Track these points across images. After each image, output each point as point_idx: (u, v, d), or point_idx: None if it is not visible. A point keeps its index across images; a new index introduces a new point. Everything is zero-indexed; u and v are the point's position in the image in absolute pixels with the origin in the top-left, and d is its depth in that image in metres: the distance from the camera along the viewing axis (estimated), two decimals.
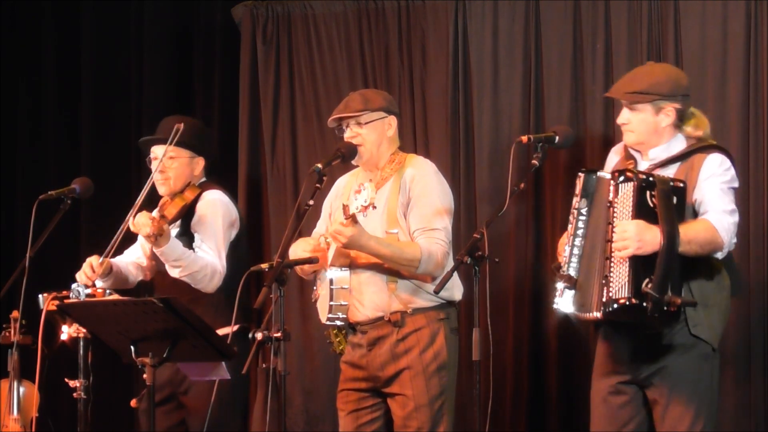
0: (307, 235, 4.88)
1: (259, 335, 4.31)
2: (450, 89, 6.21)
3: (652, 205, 4.16)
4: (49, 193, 5.11)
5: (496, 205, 4.24)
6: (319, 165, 4.56)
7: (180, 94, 7.03)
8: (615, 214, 4.18)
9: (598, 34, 5.95)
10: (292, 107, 6.59)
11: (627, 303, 4.12)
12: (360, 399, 4.78)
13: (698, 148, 4.38)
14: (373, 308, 4.69)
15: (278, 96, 6.61)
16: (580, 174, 4.32)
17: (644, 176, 4.20)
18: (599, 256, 4.21)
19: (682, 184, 4.24)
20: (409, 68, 6.35)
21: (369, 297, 4.69)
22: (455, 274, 4.67)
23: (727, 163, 4.37)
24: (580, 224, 4.26)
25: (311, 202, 4.52)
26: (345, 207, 4.46)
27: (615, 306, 4.14)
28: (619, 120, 4.45)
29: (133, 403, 4.89)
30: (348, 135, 4.79)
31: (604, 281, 4.16)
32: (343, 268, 4.70)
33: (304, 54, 6.56)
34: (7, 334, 5.87)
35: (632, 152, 4.47)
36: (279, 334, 4.30)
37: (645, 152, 4.43)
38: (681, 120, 4.41)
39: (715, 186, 4.31)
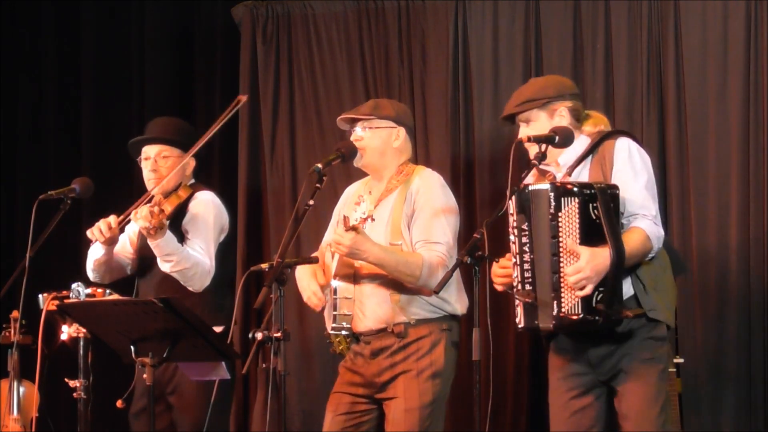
0: (307, 235, 4.87)
1: (259, 335, 4.31)
2: (450, 89, 6.21)
3: (594, 217, 4.15)
4: (49, 193, 5.10)
5: (496, 205, 4.23)
6: (319, 165, 4.56)
7: (180, 94, 7.03)
8: (560, 229, 4.16)
9: (598, 34, 5.95)
10: (291, 107, 6.59)
11: (579, 319, 4.15)
12: (353, 403, 4.78)
13: (603, 137, 4.37)
14: (376, 320, 4.70)
15: (278, 96, 6.61)
16: (511, 194, 4.23)
17: (587, 190, 4.16)
18: (549, 270, 4.19)
19: (617, 190, 4.22)
20: (409, 68, 6.35)
21: (371, 308, 4.70)
22: (461, 287, 4.73)
23: (635, 147, 4.34)
24: (525, 240, 4.22)
25: (311, 202, 4.52)
26: (345, 219, 4.49)
27: (568, 321, 4.17)
28: (520, 137, 4.40)
29: (119, 403, 4.86)
30: (353, 137, 4.82)
31: (553, 295, 4.17)
32: (347, 279, 4.71)
33: (304, 54, 6.56)
34: (7, 334, 5.88)
35: (544, 168, 4.43)
36: (279, 334, 4.30)
37: (556, 161, 4.39)
38: (578, 121, 4.44)
39: (638, 184, 4.28)
